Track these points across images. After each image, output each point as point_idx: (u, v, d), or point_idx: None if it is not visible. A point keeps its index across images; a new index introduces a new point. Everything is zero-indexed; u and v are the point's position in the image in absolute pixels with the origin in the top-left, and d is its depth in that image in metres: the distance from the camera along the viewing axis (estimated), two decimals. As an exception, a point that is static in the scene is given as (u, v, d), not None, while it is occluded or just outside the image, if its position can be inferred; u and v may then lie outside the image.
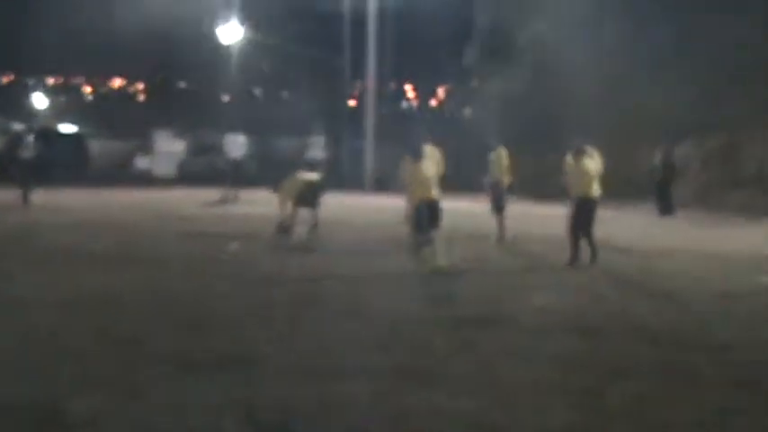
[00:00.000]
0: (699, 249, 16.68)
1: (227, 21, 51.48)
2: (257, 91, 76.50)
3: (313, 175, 18.17)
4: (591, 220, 14.17)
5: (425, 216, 12.09)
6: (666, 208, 24.57)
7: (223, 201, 24.99)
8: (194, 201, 25.33)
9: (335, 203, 25.23)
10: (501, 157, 17.50)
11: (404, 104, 74.27)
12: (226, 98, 63.04)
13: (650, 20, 32.03)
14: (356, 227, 19.73)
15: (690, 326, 9.52)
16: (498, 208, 17.55)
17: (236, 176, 25.84)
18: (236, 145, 26.11)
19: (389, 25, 40.47)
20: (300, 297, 10.50)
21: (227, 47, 48.56)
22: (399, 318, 9.38)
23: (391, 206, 20.64)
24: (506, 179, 17.62)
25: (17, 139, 27.78)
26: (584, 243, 14.00)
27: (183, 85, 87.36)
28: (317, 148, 28.62)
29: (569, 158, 14.39)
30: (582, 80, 34.00)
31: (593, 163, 14.20)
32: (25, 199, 23.18)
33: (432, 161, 14.22)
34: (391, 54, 43.69)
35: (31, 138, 25.54)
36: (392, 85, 62.64)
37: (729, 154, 30.81)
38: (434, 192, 12.93)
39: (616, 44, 33.66)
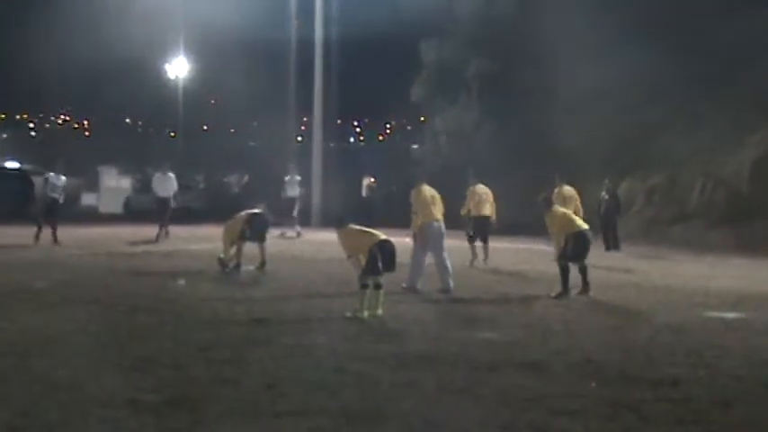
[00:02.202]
0: (644, 283, 16.83)
1: (175, 57, 51.45)
2: (205, 126, 76.29)
3: (256, 211, 18.12)
4: (586, 251, 14.84)
5: (380, 259, 11.96)
6: (612, 242, 24.76)
7: (157, 239, 24.71)
8: (140, 238, 25.10)
9: (284, 239, 25.24)
10: (474, 192, 20.29)
11: (351, 140, 74.42)
12: (172, 134, 62.78)
13: (596, 54, 32.40)
14: (304, 262, 19.64)
15: (636, 361, 9.53)
16: (470, 238, 20.06)
17: (165, 214, 25.54)
18: (165, 183, 25.88)
19: (336, 61, 40.58)
20: (247, 336, 10.38)
21: (175, 82, 48.45)
22: (345, 357, 9.31)
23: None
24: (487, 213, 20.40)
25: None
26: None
27: (128, 120, 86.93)
28: (293, 185, 28.47)
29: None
30: (530, 115, 34.30)
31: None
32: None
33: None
34: (339, 90, 43.81)
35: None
36: (339, 121, 62.80)
37: (672, 189, 31.22)
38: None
39: (564, 79, 34.02)
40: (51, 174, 23.84)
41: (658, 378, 8.62)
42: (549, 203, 15.56)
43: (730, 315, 13.04)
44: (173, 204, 25.81)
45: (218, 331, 10.70)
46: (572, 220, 15.11)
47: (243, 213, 17.92)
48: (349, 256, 12.41)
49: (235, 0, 38.82)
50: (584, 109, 34.44)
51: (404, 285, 14.80)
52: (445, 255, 15.26)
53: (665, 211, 31.15)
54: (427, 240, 15.14)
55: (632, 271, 19.41)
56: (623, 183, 31.68)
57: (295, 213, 28.30)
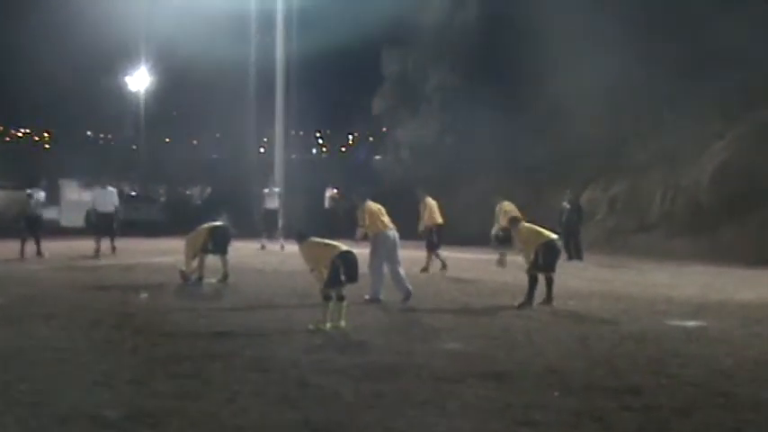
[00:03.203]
0: (607, 292, 16.91)
1: (136, 69, 51.18)
2: (168, 138, 75.86)
3: (218, 224, 18.06)
4: (556, 260, 15.14)
5: (342, 270, 11.92)
6: (575, 252, 24.86)
7: (95, 255, 24.26)
8: (102, 252, 24.84)
9: (249, 251, 25.09)
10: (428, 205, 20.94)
11: (314, 152, 74.33)
12: (134, 146, 62.40)
13: (559, 66, 32.57)
14: (267, 275, 19.55)
15: (600, 370, 9.57)
16: (433, 246, 20.79)
17: (110, 230, 25.18)
18: (105, 198, 25.56)
19: (299, 72, 40.49)
20: (209, 350, 10.32)
21: (136, 95, 48.19)
22: (308, 369, 9.27)
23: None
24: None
25: None
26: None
27: (89, 133, 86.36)
28: (273, 198, 28.26)
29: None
30: (492, 127, 34.41)
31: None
32: None
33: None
34: (301, 101, 43.68)
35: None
36: (301, 133, 62.75)
37: (634, 198, 31.42)
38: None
39: (527, 91, 34.18)
40: (35, 190, 23.72)
41: (621, 387, 8.66)
42: (516, 221, 15.77)
43: (691, 323, 13.13)
44: (116, 219, 25.42)
45: (179, 345, 10.63)
46: (539, 233, 15.19)
47: (205, 226, 17.83)
48: (311, 270, 12.38)
49: (196, 12, 38.61)
50: (547, 120, 34.62)
51: (366, 297, 14.79)
52: (400, 264, 15.32)
53: (627, 220, 31.35)
54: (382, 249, 15.20)
55: (595, 280, 19.48)
56: (585, 192, 31.85)
57: (279, 226, 28.06)
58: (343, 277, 11.89)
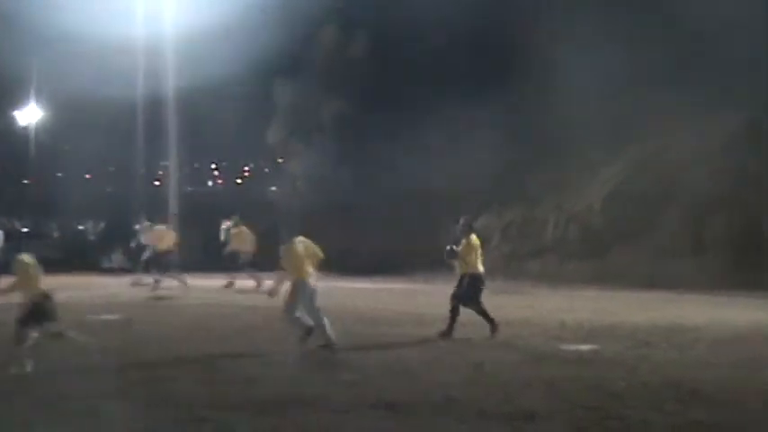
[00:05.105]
0: (501, 317, 16.97)
1: (25, 103, 50.14)
2: (60, 173, 74.32)
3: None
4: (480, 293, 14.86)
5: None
6: None
7: None
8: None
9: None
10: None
11: (210, 184, 73.59)
12: (26, 181, 61.03)
13: (449, 96, 32.89)
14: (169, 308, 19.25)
15: (495, 395, 9.62)
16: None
17: None
18: None
19: (192, 105, 40.09)
20: (101, 389, 10.08)
21: (26, 129, 47.20)
22: (203, 404, 9.14)
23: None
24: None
25: None
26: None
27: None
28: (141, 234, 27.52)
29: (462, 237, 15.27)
30: (386, 156, 34.54)
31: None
32: None
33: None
34: (196, 134, 43.27)
35: None
36: (196, 165, 62.13)
37: (528, 224, 31.83)
38: None
39: (419, 120, 34.41)
40: None
41: (515, 412, 8.73)
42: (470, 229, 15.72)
43: (584, 347, 13.31)
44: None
45: (72, 381, 10.35)
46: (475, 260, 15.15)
47: None
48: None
49: (87, 47, 38.03)
50: (442, 148, 34.86)
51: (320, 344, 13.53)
52: (319, 310, 13.91)
53: (521, 245, 31.70)
54: (299, 297, 13.78)
55: (489, 305, 19.57)
56: (480, 219, 32.13)
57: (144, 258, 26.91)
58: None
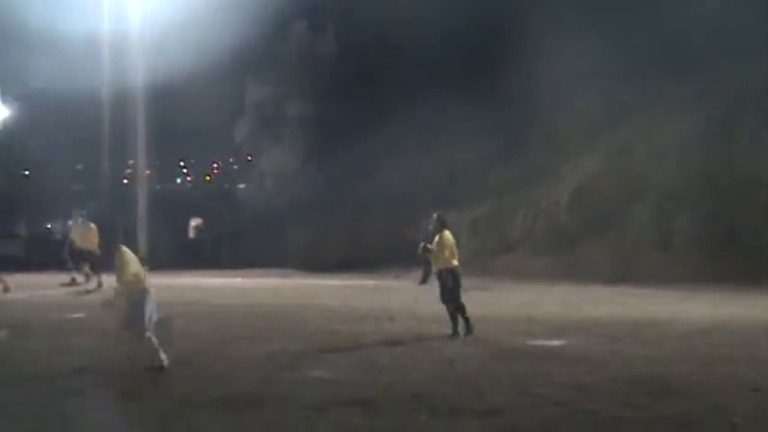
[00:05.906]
0: (470, 313, 17.02)
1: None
2: (26, 171, 73.72)
3: None
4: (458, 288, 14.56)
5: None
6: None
7: None
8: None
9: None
10: None
11: (178, 181, 73.24)
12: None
13: (417, 93, 32.93)
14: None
15: (465, 391, 9.64)
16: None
17: None
18: None
19: (159, 102, 39.84)
20: (72, 387, 10.02)
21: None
22: (175, 402, 9.10)
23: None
24: None
25: None
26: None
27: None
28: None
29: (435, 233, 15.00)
30: (352, 154, 34.56)
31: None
32: None
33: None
34: (163, 131, 43.00)
35: None
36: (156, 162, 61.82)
37: (496, 220, 31.86)
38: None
39: (388, 118, 34.40)
40: None
41: (485, 408, 8.75)
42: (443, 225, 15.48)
43: (552, 342, 13.37)
44: None
45: (31, 385, 10.26)
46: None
47: None
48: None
49: (51, 42, 37.71)
50: (411, 145, 34.91)
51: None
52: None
53: (489, 241, 31.74)
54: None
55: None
56: (450, 215, 32.16)
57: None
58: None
